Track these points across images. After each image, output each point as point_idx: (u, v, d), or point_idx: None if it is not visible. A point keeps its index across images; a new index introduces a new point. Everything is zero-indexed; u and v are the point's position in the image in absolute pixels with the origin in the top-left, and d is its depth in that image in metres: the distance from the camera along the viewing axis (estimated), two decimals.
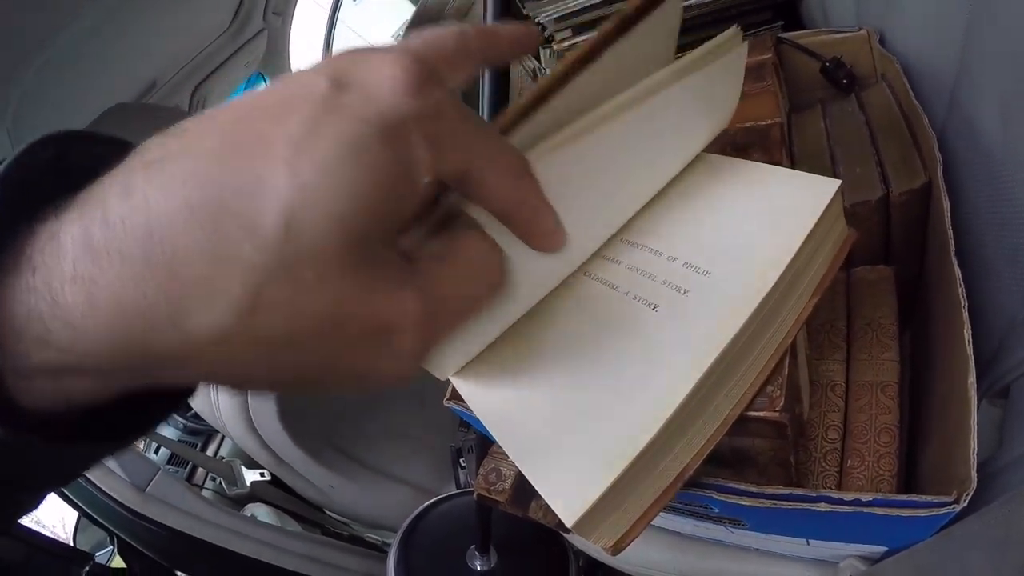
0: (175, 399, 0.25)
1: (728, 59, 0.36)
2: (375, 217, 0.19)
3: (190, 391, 0.25)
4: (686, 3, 0.75)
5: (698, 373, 0.28)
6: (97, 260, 0.17)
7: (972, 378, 0.34)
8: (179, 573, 0.94)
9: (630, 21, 0.30)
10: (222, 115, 0.19)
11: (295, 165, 0.18)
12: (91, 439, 0.21)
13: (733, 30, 0.36)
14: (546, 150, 0.27)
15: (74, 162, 0.21)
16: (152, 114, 0.97)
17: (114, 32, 1.14)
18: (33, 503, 0.24)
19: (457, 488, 0.94)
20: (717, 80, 0.37)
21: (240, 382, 0.22)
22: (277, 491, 1.20)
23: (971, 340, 0.35)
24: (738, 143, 0.49)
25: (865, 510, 0.32)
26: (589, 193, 0.32)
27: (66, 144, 0.22)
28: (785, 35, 0.64)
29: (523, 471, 0.31)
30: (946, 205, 0.43)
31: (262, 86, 1.81)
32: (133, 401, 0.22)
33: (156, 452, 1.34)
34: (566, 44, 0.81)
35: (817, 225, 0.32)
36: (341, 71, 0.20)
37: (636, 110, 0.31)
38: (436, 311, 0.22)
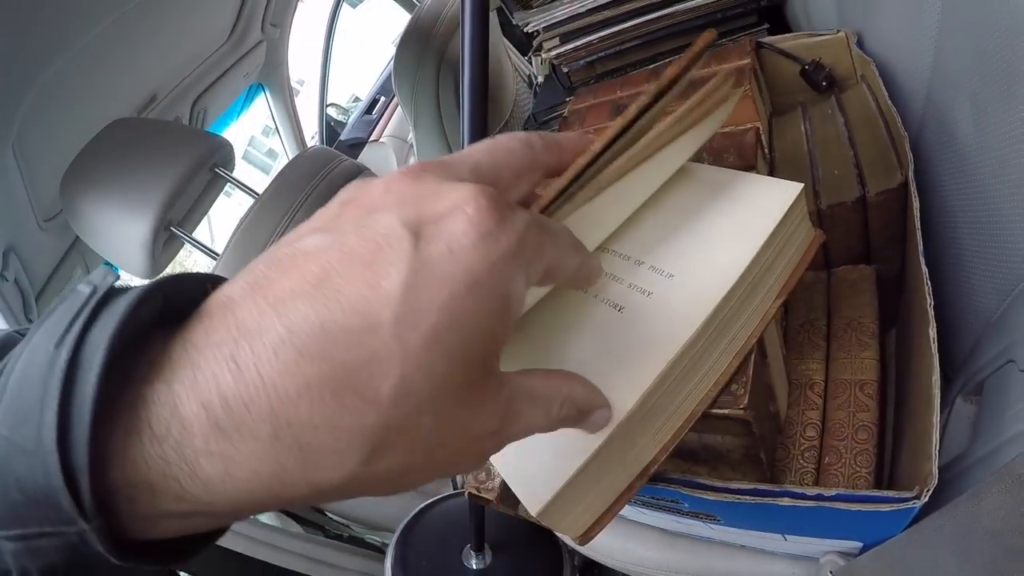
0: None
1: (723, 109, 0.38)
2: (482, 354, 0.22)
3: None
4: (672, 8, 0.76)
5: (657, 371, 0.29)
6: (228, 439, 0.19)
7: (936, 375, 0.35)
8: (180, 572, 0.95)
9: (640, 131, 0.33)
10: (306, 266, 0.20)
11: (403, 339, 0.19)
12: (163, 558, 0.22)
13: (722, 78, 0.37)
14: (572, 211, 0.31)
15: (175, 307, 0.21)
16: (152, 129, 0.98)
17: (114, 48, 1.15)
18: None
19: (454, 488, 0.95)
20: (712, 127, 0.38)
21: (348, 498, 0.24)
22: None
23: (936, 338, 0.36)
24: (715, 148, 0.49)
25: (827, 504, 0.33)
26: (592, 228, 0.35)
27: (170, 290, 0.21)
28: (765, 39, 0.64)
29: (493, 462, 0.32)
30: (916, 204, 0.43)
31: (260, 97, 1.84)
32: None
33: None
34: (554, 52, 0.82)
35: (779, 228, 0.33)
36: (415, 216, 0.21)
37: (641, 169, 0.34)
38: (513, 429, 0.24)
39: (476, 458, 0.24)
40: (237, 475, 0.19)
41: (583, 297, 0.35)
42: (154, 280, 0.21)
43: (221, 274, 0.23)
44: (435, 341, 0.20)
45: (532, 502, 0.29)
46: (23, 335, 0.21)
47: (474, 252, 0.20)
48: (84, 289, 0.20)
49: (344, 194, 0.24)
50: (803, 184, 0.34)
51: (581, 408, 0.27)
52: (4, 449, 0.18)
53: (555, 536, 0.85)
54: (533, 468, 0.30)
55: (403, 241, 0.20)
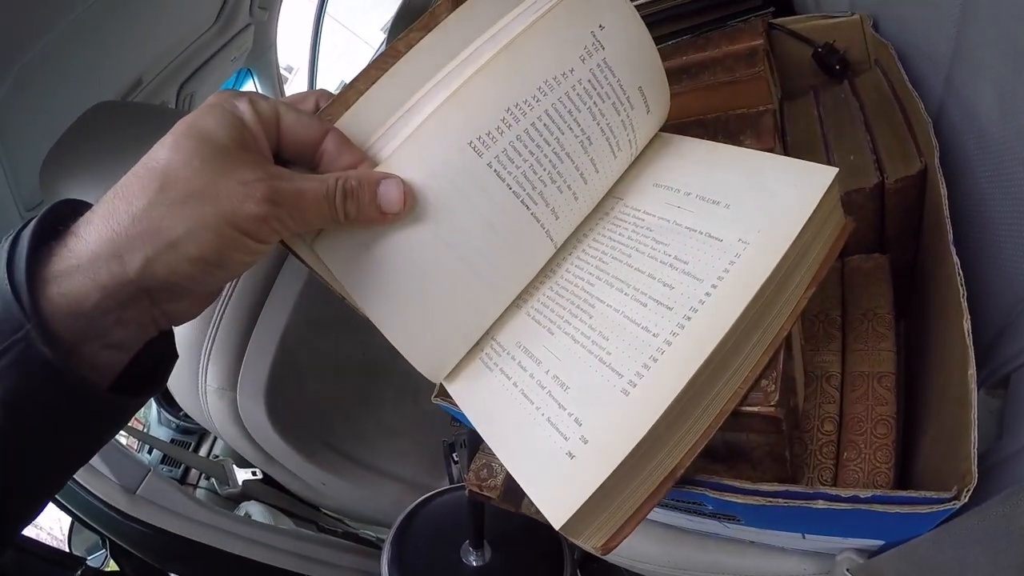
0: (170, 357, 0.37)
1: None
2: (213, 142, 0.30)
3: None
4: None
5: (688, 372, 0.27)
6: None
7: (972, 370, 0.33)
8: (172, 575, 0.93)
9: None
10: None
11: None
12: (128, 393, 0.32)
13: None
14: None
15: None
16: (137, 112, 0.95)
17: (97, 31, 1.12)
18: (35, 512, 0.33)
19: (450, 483, 0.93)
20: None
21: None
22: (270, 489, 1.19)
23: (970, 331, 0.35)
24: (730, 130, 0.48)
25: (864, 507, 0.31)
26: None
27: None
28: (776, 20, 0.63)
29: (511, 472, 0.30)
30: (943, 192, 0.42)
31: (249, 83, 1.80)
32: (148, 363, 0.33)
33: (150, 452, 1.33)
34: None
35: (813, 216, 0.31)
36: None
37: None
38: (279, 186, 0.30)
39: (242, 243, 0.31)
40: (96, 235, 0.29)
41: (610, 287, 0.33)
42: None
43: None
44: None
45: (555, 514, 0.27)
46: None
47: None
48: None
49: None
50: (837, 169, 0.32)
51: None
52: None
53: (555, 531, 0.83)
54: (554, 479, 0.28)
55: None
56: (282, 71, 1.94)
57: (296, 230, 0.32)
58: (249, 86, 1.84)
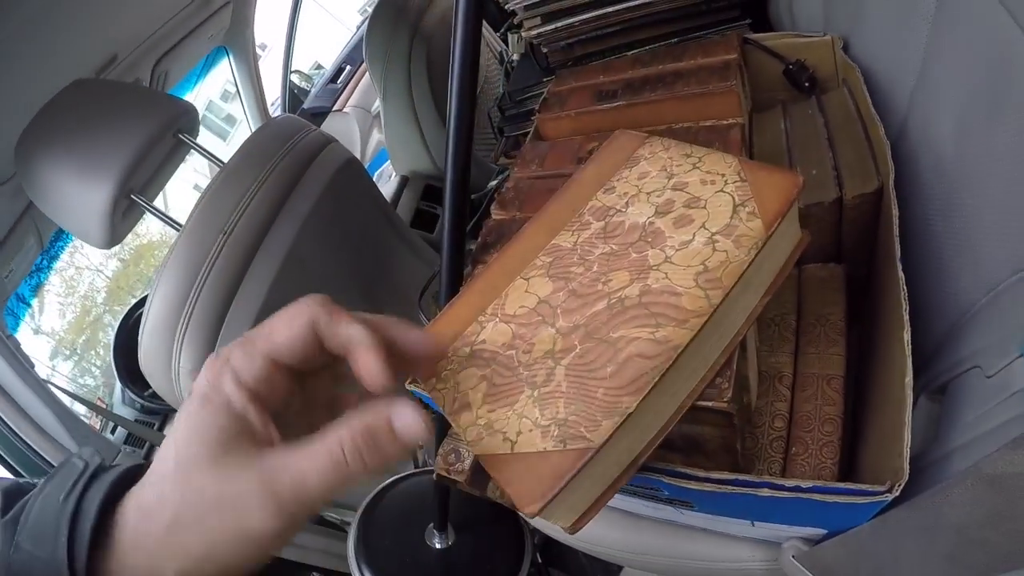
0: None
1: None
2: (211, 441, 0.29)
3: None
4: None
5: (649, 380, 0.30)
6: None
7: (909, 378, 0.36)
8: None
9: None
10: None
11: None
12: None
13: None
14: None
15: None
16: (113, 90, 0.94)
17: (72, 5, 1.10)
18: None
19: (415, 467, 0.95)
20: None
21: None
22: None
23: (910, 342, 0.37)
24: (699, 140, 0.50)
25: (804, 496, 0.34)
26: None
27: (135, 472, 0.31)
28: (751, 36, 0.65)
29: (485, 466, 0.32)
30: (895, 213, 0.45)
31: (224, 61, 1.78)
32: None
33: (113, 432, 1.32)
34: (534, 32, 0.81)
35: (772, 233, 0.33)
36: None
37: None
38: (279, 489, 0.28)
39: (248, 532, 0.28)
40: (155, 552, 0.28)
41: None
42: (126, 467, 0.31)
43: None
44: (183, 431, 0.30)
45: (529, 503, 0.29)
46: (33, 484, 0.31)
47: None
48: (78, 463, 0.31)
49: None
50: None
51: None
52: (28, 559, 0.28)
53: (517, 515, 0.86)
54: (528, 467, 0.30)
55: None
56: (256, 49, 1.92)
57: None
58: (224, 64, 1.81)
